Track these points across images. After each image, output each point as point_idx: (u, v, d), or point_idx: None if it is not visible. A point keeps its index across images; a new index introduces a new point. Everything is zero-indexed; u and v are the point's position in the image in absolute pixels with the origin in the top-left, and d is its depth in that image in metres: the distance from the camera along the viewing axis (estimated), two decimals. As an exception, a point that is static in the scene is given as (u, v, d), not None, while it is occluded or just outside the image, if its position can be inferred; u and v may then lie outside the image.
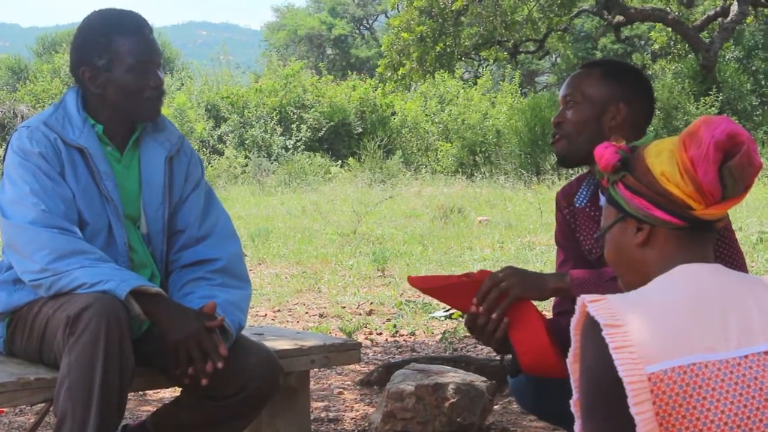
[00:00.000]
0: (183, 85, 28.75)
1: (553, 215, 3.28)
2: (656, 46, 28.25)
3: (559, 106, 2.96)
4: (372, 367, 5.50)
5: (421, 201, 16.64)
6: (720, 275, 1.87)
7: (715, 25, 23.69)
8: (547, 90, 36.93)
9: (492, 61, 27.67)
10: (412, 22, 21.81)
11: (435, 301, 7.21)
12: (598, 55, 33.73)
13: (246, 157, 23.34)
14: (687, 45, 24.17)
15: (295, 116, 25.35)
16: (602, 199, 2.84)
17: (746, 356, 1.75)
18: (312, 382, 4.93)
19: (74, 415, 2.72)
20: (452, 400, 4.21)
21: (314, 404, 4.81)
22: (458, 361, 5.22)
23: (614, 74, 2.90)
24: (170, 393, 4.65)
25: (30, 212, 2.93)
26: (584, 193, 2.94)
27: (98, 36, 3.08)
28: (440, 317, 7.19)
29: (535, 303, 2.76)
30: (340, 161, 23.95)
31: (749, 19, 23.64)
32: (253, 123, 24.80)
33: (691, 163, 1.84)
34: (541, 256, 10.06)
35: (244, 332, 3.18)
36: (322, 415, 4.69)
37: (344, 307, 7.78)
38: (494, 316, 2.69)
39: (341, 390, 5.21)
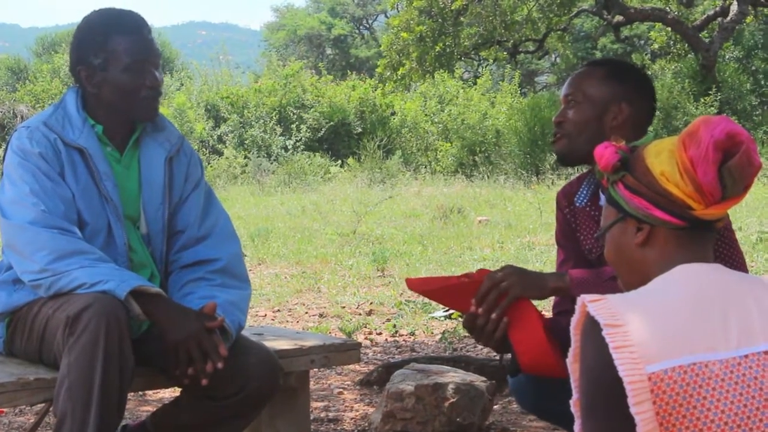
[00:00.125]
0: (182, 85, 28.76)
1: (552, 215, 3.28)
2: (656, 46, 28.26)
3: (560, 106, 2.96)
4: (372, 367, 5.50)
5: (420, 201, 16.64)
6: (720, 275, 1.87)
7: (714, 25, 23.69)
8: (546, 90, 36.92)
9: (491, 61, 27.70)
10: (411, 22, 21.82)
11: (434, 301, 7.20)
12: (598, 54, 33.74)
13: (246, 157, 23.34)
14: (686, 45, 24.18)
15: (295, 116, 25.35)
16: (602, 199, 2.84)
17: (746, 356, 1.75)
18: (312, 382, 4.94)
19: (74, 415, 2.72)
20: (452, 400, 4.21)
21: (314, 404, 4.81)
22: (458, 361, 5.22)
23: (616, 74, 2.89)
24: (170, 393, 4.65)
25: (30, 212, 2.93)
26: (584, 192, 2.94)
27: (95, 35, 3.09)
28: (440, 317, 7.20)
29: (534, 302, 2.76)
30: (339, 161, 23.96)
31: (749, 19, 23.65)
32: (253, 123, 24.81)
33: (691, 163, 1.85)
34: (541, 256, 10.06)
35: (243, 332, 3.18)
36: (322, 415, 4.69)
37: (344, 307, 7.78)
38: (494, 316, 2.68)
39: (341, 390, 5.21)
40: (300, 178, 21.00)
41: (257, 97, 25.86)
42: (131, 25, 3.09)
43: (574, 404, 1.85)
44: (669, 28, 24.16)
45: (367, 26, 51.05)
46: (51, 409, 2.94)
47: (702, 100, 22.42)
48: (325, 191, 19.11)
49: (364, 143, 23.77)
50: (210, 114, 25.74)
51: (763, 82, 26.40)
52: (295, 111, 25.55)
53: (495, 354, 3.68)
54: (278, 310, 7.66)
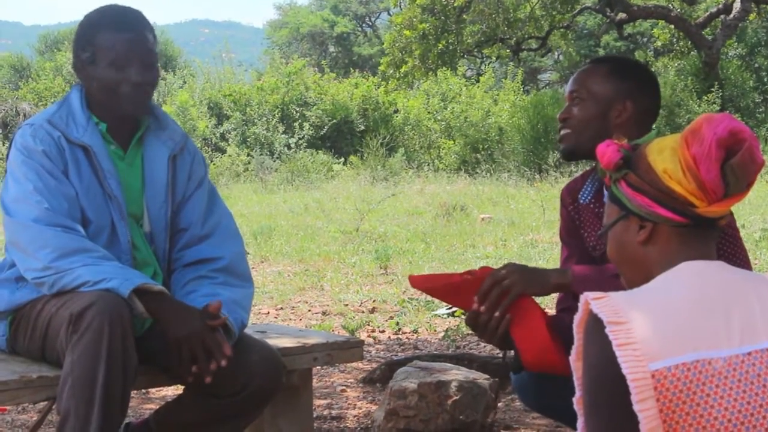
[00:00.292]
0: (185, 83, 28.76)
1: (555, 212, 3.29)
2: (659, 44, 28.22)
3: (563, 103, 2.96)
4: (375, 365, 5.50)
5: (423, 199, 16.64)
6: (723, 272, 1.87)
7: (717, 23, 23.67)
8: (549, 87, 36.94)
9: (494, 58, 27.68)
10: (414, 20, 21.80)
11: (437, 299, 7.20)
12: (601, 52, 33.71)
13: (248, 155, 23.35)
14: (689, 42, 24.15)
15: (298, 114, 25.36)
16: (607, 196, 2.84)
17: (749, 353, 1.75)
18: (315, 380, 4.93)
19: (77, 412, 2.73)
20: (455, 398, 4.21)
21: (317, 402, 4.81)
22: (461, 359, 5.22)
23: (621, 71, 2.89)
24: (173, 391, 4.65)
25: (33, 210, 2.93)
26: (588, 189, 2.94)
27: (87, 30, 3.11)
28: (443, 315, 7.20)
29: (537, 299, 2.76)
30: (342, 159, 23.96)
31: (752, 16, 23.62)
32: (256, 121, 24.81)
33: (694, 160, 1.84)
34: (544, 254, 10.05)
35: (246, 330, 3.18)
36: (325, 412, 4.69)
37: (347, 304, 7.78)
38: (497, 314, 2.69)
39: (344, 388, 5.21)
40: (303, 175, 21.00)
41: (260, 94, 25.87)
42: (121, 21, 3.08)
43: (577, 402, 1.85)
44: (672, 26, 24.13)
45: (370, 24, 51.05)
46: (54, 406, 2.94)
47: (705, 98, 22.41)
48: (327, 189, 19.11)
49: (366, 141, 23.78)
50: (213, 112, 25.75)
51: (766, 80, 26.38)
52: (297, 109, 25.56)
53: (498, 351, 3.69)
54: (281, 308, 7.66)
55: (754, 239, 10.43)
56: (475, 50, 25.09)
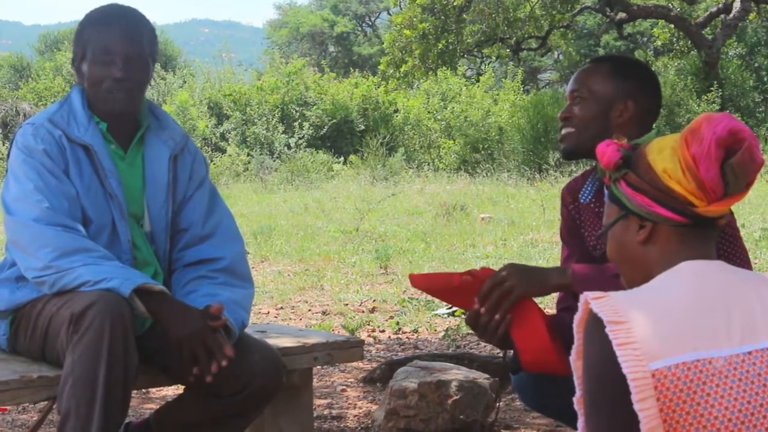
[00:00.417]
0: (185, 82, 28.75)
1: (555, 212, 3.29)
2: (659, 43, 28.21)
3: (563, 102, 2.96)
4: (375, 365, 5.50)
5: (423, 198, 16.64)
6: (723, 272, 1.87)
7: (717, 22, 23.68)
8: (549, 87, 36.94)
9: (494, 58, 27.68)
10: (414, 19, 21.80)
11: (437, 299, 7.21)
12: (601, 52, 33.70)
13: (248, 154, 23.35)
14: (689, 42, 24.16)
15: (298, 114, 25.35)
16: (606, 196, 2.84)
17: (750, 353, 1.75)
18: (315, 380, 4.93)
19: (78, 412, 2.73)
20: (455, 398, 4.22)
21: (317, 401, 4.82)
22: (461, 359, 5.22)
23: (622, 71, 2.89)
24: (173, 391, 4.65)
25: (34, 209, 2.93)
26: (589, 189, 2.94)
27: (81, 27, 3.14)
28: (443, 314, 7.20)
29: (537, 299, 2.76)
30: (342, 159, 23.95)
31: (752, 16, 23.62)
32: (256, 120, 24.81)
33: (693, 160, 1.85)
34: (544, 253, 10.05)
35: (246, 330, 3.18)
36: (325, 412, 4.69)
37: (347, 304, 7.78)
38: (497, 316, 2.69)
39: (344, 387, 5.22)
40: (303, 175, 21.00)
41: (260, 94, 25.86)
42: (109, 17, 3.08)
43: (578, 401, 1.85)
44: (672, 25, 24.14)
45: (370, 24, 51.05)
46: (54, 406, 2.94)
47: (705, 97, 22.41)
48: (327, 189, 19.11)
49: (366, 141, 23.78)
50: (212, 111, 25.74)
51: (766, 79, 26.38)
52: (297, 108, 25.56)
53: (498, 351, 3.70)
54: (281, 308, 7.66)
55: (754, 239, 10.43)
56: (475, 50, 25.09)
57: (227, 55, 30.77)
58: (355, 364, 5.53)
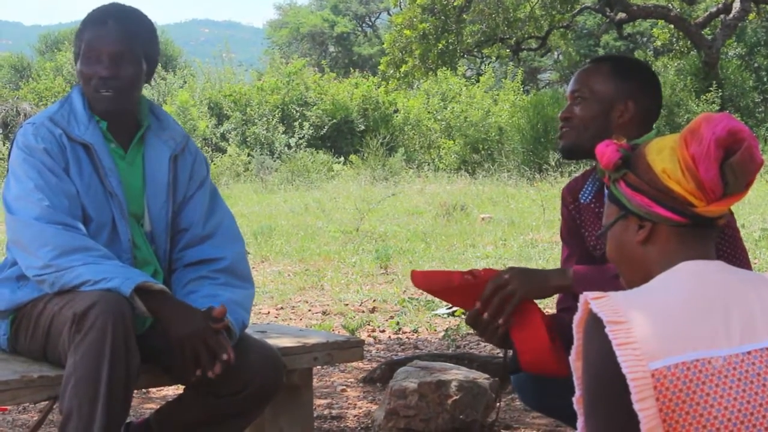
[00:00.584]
0: (185, 83, 28.75)
1: (555, 212, 3.29)
2: (658, 43, 28.21)
3: (563, 103, 2.96)
4: (375, 365, 5.50)
5: (423, 198, 16.65)
6: (722, 272, 1.87)
7: (717, 22, 23.68)
8: (549, 87, 36.92)
9: (494, 58, 27.68)
10: (414, 20, 21.80)
11: (438, 299, 7.21)
12: (600, 52, 33.68)
13: (249, 154, 23.35)
14: (689, 42, 24.15)
15: (298, 114, 25.35)
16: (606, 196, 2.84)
17: (749, 352, 1.76)
18: (315, 380, 4.93)
19: (80, 411, 2.73)
20: (455, 398, 4.22)
21: (317, 401, 4.82)
22: (461, 359, 5.23)
23: (623, 71, 2.88)
24: (173, 390, 4.66)
25: (34, 208, 2.94)
26: (589, 189, 2.94)
27: (80, 26, 3.15)
28: (443, 314, 7.20)
29: (537, 300, 2.77)
30: (342, 159, 23.95)
31: (751, 16, 23.62)
32: (256, 121, 24.81)
33: (693, 160, 1.85)
34: (544, 253, 10.04)
35: (247, 330, 3.18)
36: (325, 412, 4.69)
37: (347, 304, 7.78)
38: (501, 321, 2.70)
39: (344, 387, 5.22)
40: (303, 175, 21.00)
41: (260, 94, 25.86)
42: (101, 15, 3.08)
43: (577, 401, 1.85)
44: (671, 26, 24.14)
45: (370, 24, 51.05)
46: (55, 406, 2.94)
47: (704, 97, 22.41)
48: (328, 189, 19.12)
49: (367, 141, 23.78)
50: (213, 112, 25.74)
51: (765, 79, 26.37)
52: (298, 108, 25.55)
53: (498, 351, 3.70)
54: (281, 308, 7.66)
55: (754, 239, 10.44)
56: (475, 50, 25.09)
57: (227, 56, 30.77)
58: (355, 364, 5.54)
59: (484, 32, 23.06)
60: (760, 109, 24.76)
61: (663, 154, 1.89)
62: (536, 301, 2.79)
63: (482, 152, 23.02)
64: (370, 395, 5.06)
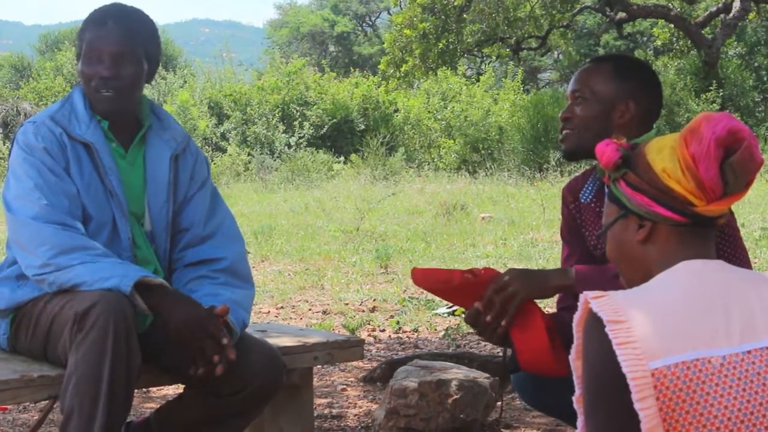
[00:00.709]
0: (186, 82, 28.76)
1: (555, 212, 3.30)
2: (658, 43, 28.20)
3: (563, 102, 2.96)
4: (375, 364, 5.50)
5: (423, 198, 16.65)
6: (722, 271, 1.87)
7: (717, 22, 23.68)
8: (549, 87, 36.92)
9: (494, 57, 27.68)
10: (414, 19, 21.79)
11: (438, 298, 7.22)
12: (600, 51, 33.68)
13: (249, 154, 23.35)
14: (689, 41, 24.15)
15: (298, 113, 25.35)
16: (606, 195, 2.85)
17: (749, 352, 1.76)
18: (315, 379, 4.94)
19: (81, 410, 2.73)
20: (455, 397, 4.22)
21: (317, 401, 4.82)
22: (461, 358, 5.23)
23: (624, 71, 2.88)
24: (173, 390, 4.66)
25: (33, 207, 2.94)
26: (590, 188, 2.94)
27: (81, 26, 3.15)
28: (443, 313, 7.20)
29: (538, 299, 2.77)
30: (342, 158, 23.95)
31: (751, 16, 23.62)
32: (256, 120, 24.81)
33: (693, 159, 1.85)
34: (544, 253, 10.05)
35: (247, 329, 3.18)
36: (326, 411, 4.70)
37: (347, 303, 7.78)
38: (503, 323, 2.71)
39: (344, 387, 5.22)
40: (303, 175, 21.01)
41: (260, 94, 25.86)
42: (105, 16, 3.08)
43: (577, 400, 1.85)
44: (672, 25, 24.14)
45: (370, 23, 51.06)
46: (55, 405, 2.95)
47: (704, 97, 22.42)
48: (328, 188, 19.12)
49: (367, 140, 23.78)
50: (213, 111, 25.75)
51: (765, 79, 26.38)
52: (298, 108, 25.55)
53: (498, 350, 3.70)
54: (281, 307, 7.66)
55: (754, 238, 10.44)
56: (475, 49, 25.09)
57: (228, 55, 30.78)
58: (355, 363, 5.54)
59: (485, 32, 23.05)
60: (760, 109, 24.77)
61: (663, 153, 1.89)
62: (536, 301, 2.79)
63: (482, 152, 23.03)
64: (370, 394, 5.06)
